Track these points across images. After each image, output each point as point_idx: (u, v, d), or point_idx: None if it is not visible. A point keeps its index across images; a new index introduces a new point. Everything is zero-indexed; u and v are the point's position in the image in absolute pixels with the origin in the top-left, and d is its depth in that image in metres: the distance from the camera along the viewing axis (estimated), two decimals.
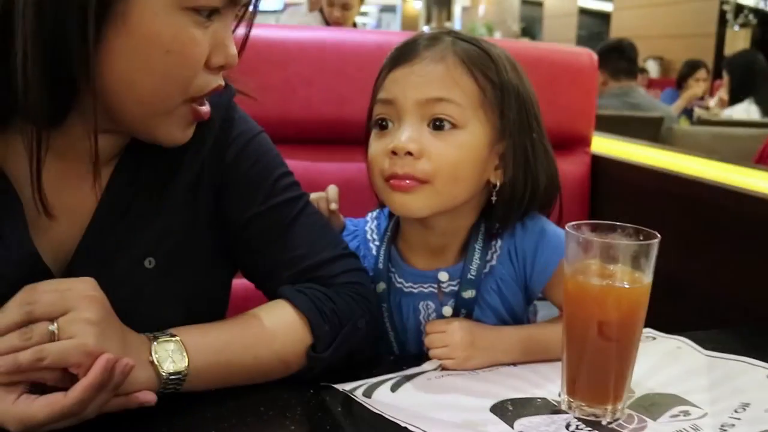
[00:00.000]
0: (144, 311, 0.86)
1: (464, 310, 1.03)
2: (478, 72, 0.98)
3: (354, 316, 0.93)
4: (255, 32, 1.08)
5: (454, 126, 0.97)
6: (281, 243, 0.95)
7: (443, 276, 1.04)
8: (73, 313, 0.72)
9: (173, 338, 0.81)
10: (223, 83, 0.87)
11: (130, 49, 0.77)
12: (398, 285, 1.06)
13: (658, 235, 0.83)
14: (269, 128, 1.01)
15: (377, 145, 1.00)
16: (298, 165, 1.07)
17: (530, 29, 13.86)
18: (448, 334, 0.97)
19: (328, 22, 3.87)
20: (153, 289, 0.88)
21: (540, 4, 14.11)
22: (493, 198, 1.01)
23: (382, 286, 1.06)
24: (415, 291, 1.05)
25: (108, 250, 0.87)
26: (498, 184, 1.01)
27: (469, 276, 1.02)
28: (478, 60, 0.99)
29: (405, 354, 1.07)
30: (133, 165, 0.90)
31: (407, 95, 0.97)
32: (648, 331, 1.08)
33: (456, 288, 1.03)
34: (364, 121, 1.06)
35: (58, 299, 0.73)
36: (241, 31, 0.90)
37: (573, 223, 0.85)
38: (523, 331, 1.02)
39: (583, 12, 12.37)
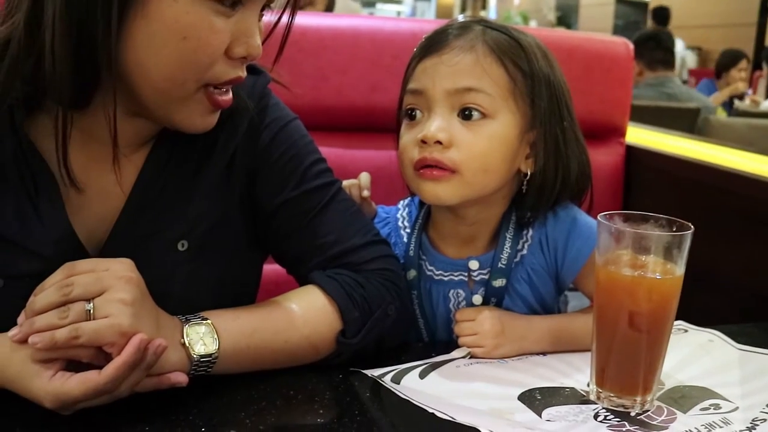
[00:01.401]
0: (176, 293, 0.87)
1: (494, 299, 1.03)
2: (509, 61, 0.98)
3: (384, 302, 0.93)
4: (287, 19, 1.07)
5: (484, 116, 0.96)
6: (312, 229, 0.96)
7: (474, 264, 1.04)
8: (109, 293, 0.74)
9: (205, 321, 0.82)
10: (244, 75, 0.87)
11: (149, 35, 0.78)
12: (428, 273, 1.06)
13: (692, 227, 0.82)
14: (302, 115, 1.02)
15: (407, 135, 1.00)
16: (330, 152, 1.08)
17: (566, 18, 13.71)
18: (477, 323, 0.98)
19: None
20: (186, 272, 0.89)
21: None
22: (524, 187, 1.01)
23: (412, 273, 1.06)
24: (446, 279, 1.06)
25: (142, 232, 0.88)
26: (529, 173, 1.00)
27: (499, 265, 1.02)
28: (509, 49, 0.99)
29: (434, 341, 1.07)
30: (168, 148, 0.91)
31: (436, 85, 0.97)
32: (680, 324, 1.07)
33: (486, 276, 1.03)
34: (396, 109, 1.07)
35: (95, 279, 0.74)
36: (270, 20, 0.91)
37: (605, 213, 0.84)
38: (553, 321, 1.01)
39: (620, 1, 12.21)
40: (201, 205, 0.91)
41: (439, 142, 0.95)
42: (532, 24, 13.08)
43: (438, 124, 0.96)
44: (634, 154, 1.70)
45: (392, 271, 0.98)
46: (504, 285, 1.02)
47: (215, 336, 0.81)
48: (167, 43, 0.78)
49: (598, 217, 0.84)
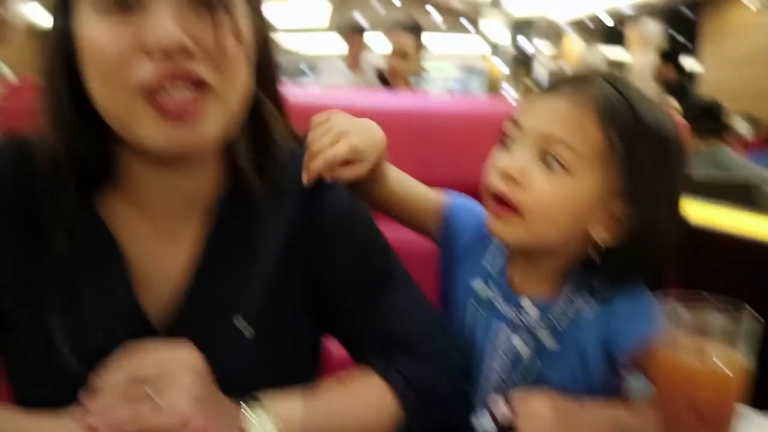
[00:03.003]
0: (237, 373, 0.87)
1: (536, 353, 1.01)
2: (611, 126, 0.95)
3: (444, 389, 0.93)
4: (342, 98, 1.09)
5: (563, 168, 0.95)
6: (371, 310, 0.96)
7: (526, 303, 1.03)
8: (172, 379, 0.75)
9: (263, 405, 0.83)
10: (176, 68, 0.78)
11: (82, 63, 0.81)
12: (490, 293, 1.06)
13: (761, 320, 0.79)
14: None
15: (493, 160, 1.01)
16: (386, 228, 1.08)
17: None
18: (537, 417, 0.94)
19: (382, 77, 3.87)
20: (246, 351, 0.90)
21: (624, 64, 13.99)
22: (593, 253, 0.99)
23: (479, 283, 1.06)
24: (497, 307, 1.05)
25: (202, 308, 0.90)
26: (599, 241, 0.98)
27: (555, 324, 1.00)
28: (617, 113, 0.95)
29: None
30: (225, 222, 0.93)
31: (531, 123, 0.98)
32: (743, 409, 1.04)
33: (534, 324, 1.01)
34: (451, 186, 1.08)
35: (159, 364, 0.76)
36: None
37: (665, 291, 0.83)
38: (614, 411, 0.97)
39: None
40: (261, 283, 0.92)
41: (512, 178, 0.96)
42: None
43: (517, 160, 0.97)
44: (692, 230, 1.67)
45: (451, 356, 0.97)
46: (554, 346, 1.00)
47: (274, 421, 0.82)
48: (87, 61, 0.81)
49: (658, 297, 0.83)
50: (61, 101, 0.84)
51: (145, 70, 0.77)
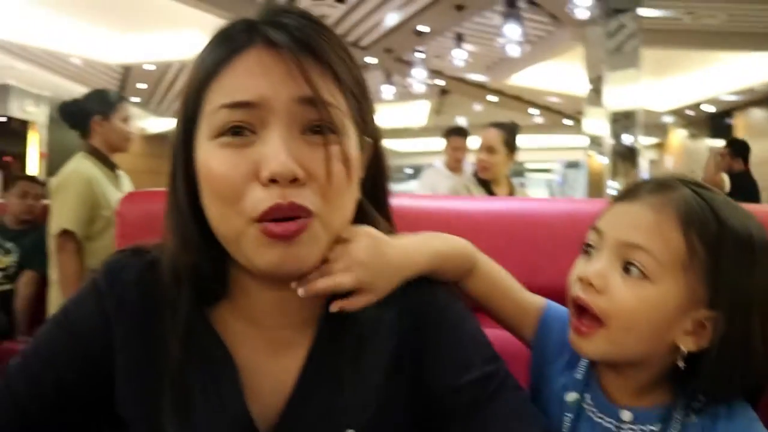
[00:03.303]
0: None
1: None
2: (695, 233, 0.92)
3: None
4: (444, 205, 1.10)
5: (644, 276, 0.93)
6: (477, 422, 0.94)
7: (626, 415, 0.98)
8: None
9: None
10: (285, 200, 0.83)
11: (200, 185, 0.89)
12: (586, 405, 1.02)
13: None
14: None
15: (577, 268, 1.00)
16: (492, 333, 1.08)
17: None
18: None
19: (479, 178, 3.90)
20: None
21: None
22: (681, 364, 0.95)
23: (573, 396, 1.03)
24: (595, 419, 1.01)
25: (310, 417, 0.91)
26: (686, 351, 0.95)
27: None
28: (698, 219, 0.93)
29: None
30: (332, 332, 0.95)
31: (612, 231, 0.97)
32: None
33: (636, 429, 0.97)
34: (555, 289, 1.07)
35: None
36: None
37: None
38: None
39: None
40: (368, 391, 0.93)
41: (592, 285, 0.95)
42: None
43: (598, 268, 0.96)
44: None
45: None
46: None
47: None
48: (204, 186, 0.88)
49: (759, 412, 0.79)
50: (183, 217, 0.91)
51: (259, 201, 0.84)
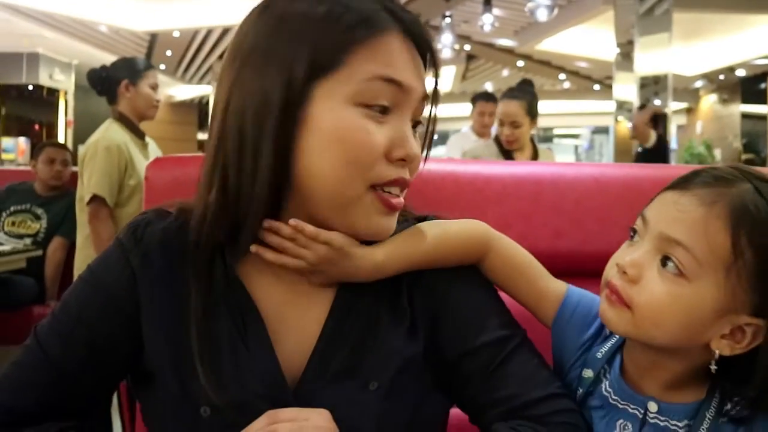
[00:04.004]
0: (364, 431, 0.90)
1: None
2: (745, 235, 0.86)
3: None
4: (473, 168, 1.10)
5: (681, 274, 0.89)
6: (493, 381, 0.97)
7: (652, 406, 0.96)
8: None
9: None
10: (407, 177, 0.95)
11: (312, 145, 0.89)
12: (606, 392, 1.01)
13: None
14: None
15: (618, 252, 0.98)
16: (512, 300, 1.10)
17: (753, 145, 13.21)
18: None
19: (502, 147, 3.88)
20: (376, 411, 0.92)
21: (763, 118, 13.47)
22: (712, 367, 0.92)
23: (589, 373, 1.02)
24: (620, 406, 0.99)
25: (334, 369, 0.93)
26: (718, 354, 0.91)
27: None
28: (752, 222, 0.86)
29: None
30: (354, 290, 0.98)
31: (656, 222, 0.93)
32: None
33: (663, 424, 0.95)
34: (580, 253, 1.07)
35: (296, 429, 0.79)
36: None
37: None
38: None
39: None
40: (390, 346, 0.95)
41: (627, 273, 0.93)
42: (716, 153, 12.67)
43: (635, 257, 0.93)
44: None
45: (576, 425, 0.96)
46: None
47: None
48: (330, 148, 0.89)
49: None
50: (255, 163, 0.90)
51: (388, 171, 0.92)
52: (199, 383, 0.89)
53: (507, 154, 3.85)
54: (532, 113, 3.85)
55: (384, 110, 0.92)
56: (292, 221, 0.93)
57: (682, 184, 0.94)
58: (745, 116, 14.60)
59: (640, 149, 6.44)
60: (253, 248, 0.94)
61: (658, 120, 6.26)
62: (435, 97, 0.98)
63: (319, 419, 0.81)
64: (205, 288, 0.94)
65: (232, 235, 0.94)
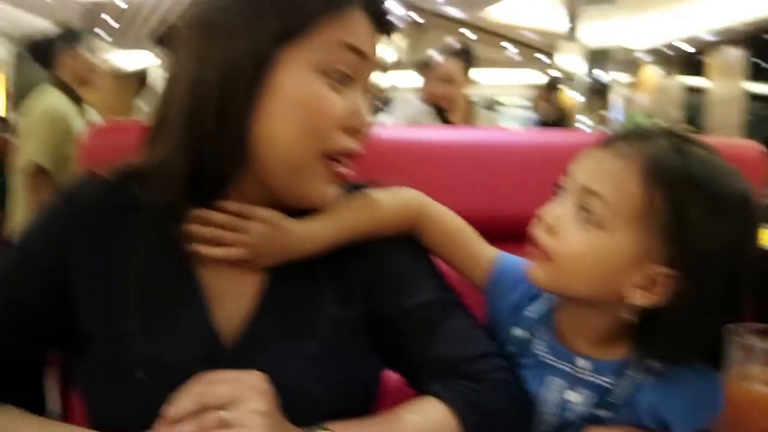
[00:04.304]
0: (303, 393, 0.91)
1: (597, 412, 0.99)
2: (658, 188, 0.89)
3: (504, 412, 0.94)
4: (412, 133, 1.10)
5: (597, 223, 0.92)
6: (427, 343, 0.99)
7: (580, 362, 1.00)
8: (244, 404, 0.77)
9: None
10: (358, 148, 0.96)
11: (274, 111, 0.90)
12: (537, 350, 1.04)
13: None
14: None
15: (544, 207, 1.00)
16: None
17: (693, 117, 13.44)
18: None
19: (441, 110, 3.83)
20: (311, 375, 0.93)
21: (703, 91, 13.71)
22: (629, 317, 0.94)
23: (518, 331, 1.05)
24: (552, 364, 1.02)
25: (270, 333, 0.94)
26: (634, 304, 0.93)
27: (610, 399, 0.98)
28: (667, 173, 0.90)
29: None
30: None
31: (577, 175, 0.96)
32: None
33: (591, 379, 0.99)
34: (519, 217, 1.08)
35: (231, 390, 0.78)
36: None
37: (735, 325, 0.82)
38: None
39: (752, 97, 11.89)
40: (326, 310, 0.97)
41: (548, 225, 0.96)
42: None
43: (556, 210, 0.97)
44: (766, 258, 1.64)
45: (510, 382, 0.98)
46: (606, 414, 0.98)
47: None
48: (290, 113, 0.90)
49: (727, 331, 0.82)
50: (207, 124, 0.90)
51: (342, 141, 0.94)
52: (135, 346, 0.89)
53: (443, 117, 3.81)
54: (468, 72, 3.80)
55: (343, 79, 0.93)
56: (219, 206, 0.94)
57: (607, 141, 0.98)
58: (686, 89, 14.84)
59: (539, 122, 6.47)
60: (191, 248, 0.94)
61: (553, 95, 6.27)
62: (386, 67, 0.99)
63: (255, 380, 0.81)
64: (143, 251, 0.93)
65: (178, 200, 0.93)
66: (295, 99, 0.91)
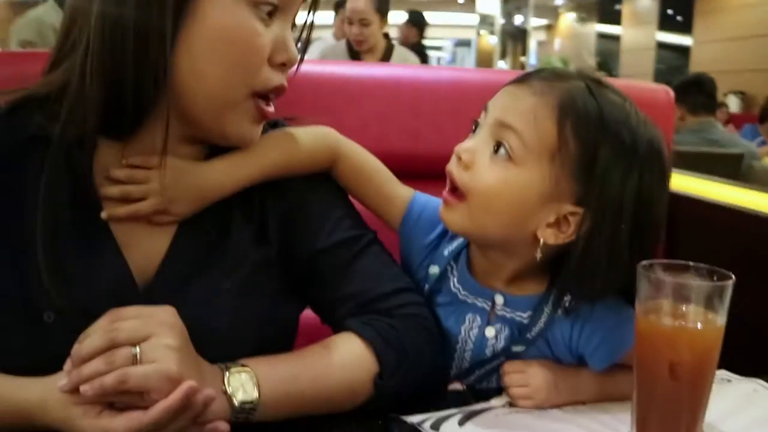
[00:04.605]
0: (219, 330, 0.90)
1: (514, 347, 1.01)
2: (570, 126, 0.91)
3: (418, 345, 0.95)
4: (331, 69, 1.08)
5: (510, 158, 0.93)
6: (343, 279, 0.99)
7: (498, 299, 1.01)
8: (155, 338, 0.75)
9: (245, 369, 0.83)
10: (285, 84, 0.93)
11: (200, 42, 0.86)
12: (454, 289, 1.05)
13: (732, 276, 0.81)
14: None
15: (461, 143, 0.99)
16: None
17: (606, 63, 13.71)
18: (529, 375, 0.96)
19: (353, 48, 3.78)
20: (228, 310, 0.92)
21: (617, 38, 13.98)
22: (537, 255, 0.95)
23: (435, 269, 1.06)
24: (468, 301, 1.04)
25: (187, 271, 0.92)
26: (543, 241, 0.94)
27: (527, 335, 1.00)
28: (578, 113, 0.91)
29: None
30: None
31: (493, 110, 0.96)
32: (723, 373, 1.06)
33: (508, 315, 1.01)
34: (437, 155, 1.07)
35: (141, 325, 0.76)
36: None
37: (645, 262, 0.84)
38: (603, 374, 0.98)
39: (662, 46, 12.20)
40: (242, 248, 0.95)
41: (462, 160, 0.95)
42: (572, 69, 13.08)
43: (471, 144, 0.96)
44: (676, 201, 1.68)
45: (424, 317, 0.99)
46: (521, 349, 1.00)
47: (255, 384, 0.82)
48: (218, 48, 0.87)
49: (639, 267, 0.83)
50: (127, 66, 0.84)
51: (269, 79, 0.90)
52: (43, 287, 0.84)
53: (355, 56, 3.74)
54: (382, 11, 3.71)
55: (271, 12, 0.89)
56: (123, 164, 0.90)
57: (522, 78, 0.98)
58: (601, 36, 15.13)
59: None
60: (104, 215, 0.90)
61: (413, 22, 6.22)
62: (315, 3, 0.97)
63: (165, 315, 0.79)
64: (51, 190, 0.87)
65: (90, 132, 0.88)
66: (222, 32, 0.86)
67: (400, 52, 3.97)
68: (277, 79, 0.92)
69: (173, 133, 0.89)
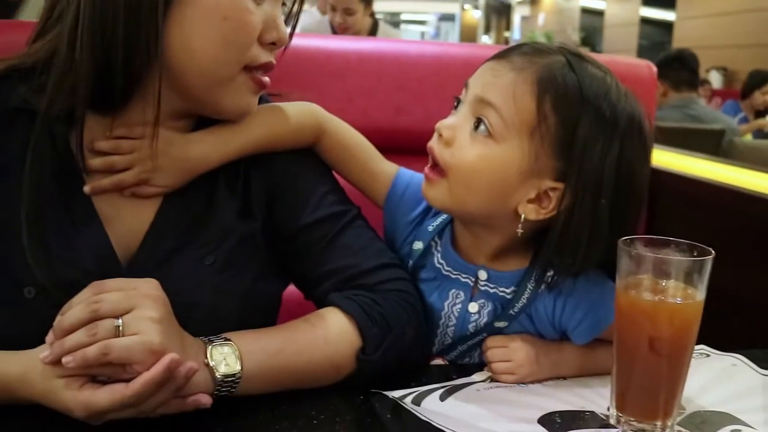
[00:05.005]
0: (203, 304, 0.90)
1: (497, 323, 1.01)
2: (549, 101, 0.91)
3: (401, 320, 0.95)
4: (315, 44, 1.08)
5: (489, 135, 0.92)
6: (327, 254, 0.99)
7: (482, 275, 1.02)
8: (137, 310, 0.75)
9: (228, 342, 0.83)
10: (273, 61, 0.95)
11: (193, 18, 0.87)
12: (438, 264, 1.05)
13: (712, 252, 0.82)
14: None
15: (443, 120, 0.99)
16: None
17: (590, 39, 13.72)
18: (511, 350, 0.97)
19: (334, 29, 3.74)
20: (212, 284, 0.92)
21: (601, 13, 13.96)
22: (519, 230, 0.96)
23: (419, 245, 1.06)
24: (452, 277, 1.04)
25: (170, 245, 0.92)
26: (524, 217, 0.94)
27: (510, 312, 1.00)
28: (558, 89, 0.91)
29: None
30: None
31: (474, 86, 0.96)
32: (702, 348, 1.07)
33: (491, 290, 1.01)
34: (421, 130, 1.07)
35: (123, 297, 0.76)
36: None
37: (626, 237, 0.84)
38: (584, 349, 0.99)
39: (645, 21, 12.19)
40: (226, 223, 0.95)
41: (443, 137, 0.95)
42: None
43: (452, 121, 0.96)
44: (658, 176, 1.70)
45: (408, 293, 0.99)
46: (504, 325, 1.01)
47: (238, 357, 0.82)
48: (211, 25, 0.87)
49: (619, 242, 0.84)
50: (117, 38, 0.84)
51: (259, 55, 0.92)
52: (23, 262, 0.84)
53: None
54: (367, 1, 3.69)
55: None
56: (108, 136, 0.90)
57: (502, 54, 0.97)
58: (585, 11, 15.10)
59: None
60: (87, 189, 0.89)
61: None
62: None
63: (147, 288, 0.78)
64: (35, 164, 0.87)
65: (79, 106, 0.87)
66: (214, 8, 0.87)
67: (384, 28, 3.94)
68: (265, 57, 0.93)
69: (163, 107, 0.88)
